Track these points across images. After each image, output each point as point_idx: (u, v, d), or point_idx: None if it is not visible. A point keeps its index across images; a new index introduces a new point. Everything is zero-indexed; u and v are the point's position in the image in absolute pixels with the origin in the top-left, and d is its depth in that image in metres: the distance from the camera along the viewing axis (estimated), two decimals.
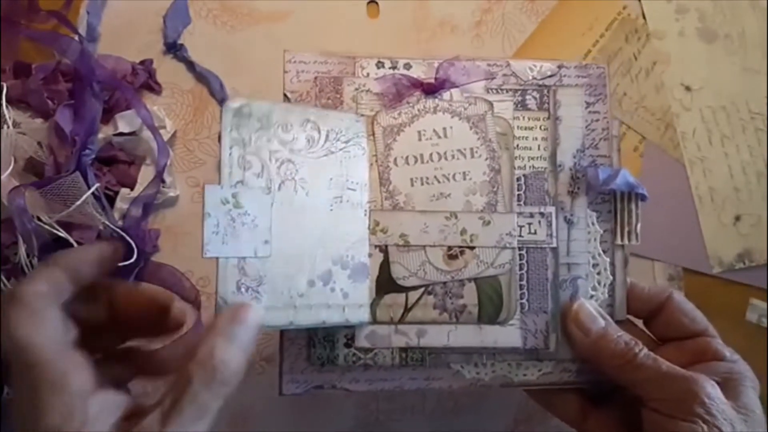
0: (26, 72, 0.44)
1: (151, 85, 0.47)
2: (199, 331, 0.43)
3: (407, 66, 0.37)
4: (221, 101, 0.47)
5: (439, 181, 0.36)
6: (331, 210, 0.34)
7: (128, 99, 0.44)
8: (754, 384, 0.34)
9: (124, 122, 0.44)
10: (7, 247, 0.38)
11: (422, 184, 0.36)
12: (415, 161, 0.36)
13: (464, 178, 0.36)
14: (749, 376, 0.34)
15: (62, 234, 0.39)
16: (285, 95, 0.37)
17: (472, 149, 0.36)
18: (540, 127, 0.37)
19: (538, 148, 0.37)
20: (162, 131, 0.45)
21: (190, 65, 0.48)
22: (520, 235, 0.36)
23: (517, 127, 0.37)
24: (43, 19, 0.47)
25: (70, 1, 0.48)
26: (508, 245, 0.36)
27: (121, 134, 0.44)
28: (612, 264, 0.37)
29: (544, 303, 0.36)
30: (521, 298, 0.36)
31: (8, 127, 0.41)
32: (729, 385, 0.33)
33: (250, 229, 0.31)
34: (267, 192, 0.32)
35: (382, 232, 0.35)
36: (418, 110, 0.36)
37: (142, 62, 0.47)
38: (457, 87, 0.37)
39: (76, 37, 0.45)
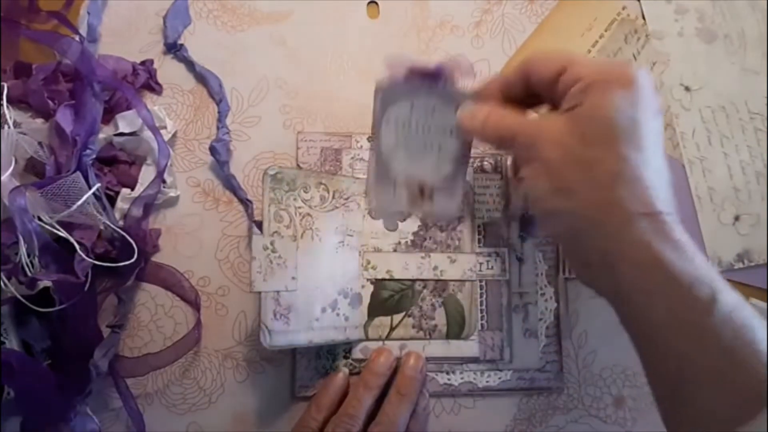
0: (27, 72, 0.44)
1: (152, 86, 0.47)
2: (198, 332, 0.43)
3: None
4: (220, 101, 0.47)
5: None
6: (336, 252, 0.43)
7: (129, 99, 0.44)
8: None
9: (125, 122, 0.44)
10: (8, 247, 0.38)
11: None
12: None
13: None
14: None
15: (63, 234, 0.39)
16: (298, 165, 0.46)
17: None
18: (495, 186, 0.46)
19: (494, 202, 0.46)
20: (162, 131, 0.45)
21: (191, 65, 0.48)
22: (480, 270, 0.45)
23: (477, 185, 0.46)
24: (43, 20, 0.47)
25: (70, 1, 0.48)
26: (469, 278, 0.44)
27: (122, 134, 0.44)
28: (556, 292, 0.46)
29: (500, 323, 0.44)
30: (481, 320, 0.44)
31: (9, 127, 0.41)
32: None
33: (283, 269, 0.40)
34: (293, 240, 0.41)
35: (373, 268, 0.44)
36: None
37: (142, 62, 0.47)
38: None
39: (77, 38, 0.45)
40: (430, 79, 0.40)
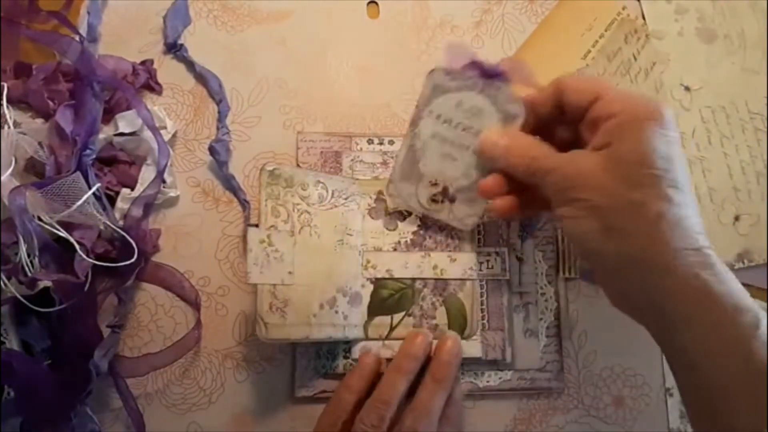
0: (27, 72, 0.44)
1: (152, 86, 0.47)
2: (198, 332, 0.43)
3: (391, 142, 0.47)
4: (220, 102, 0.47)
5: None
6: (336, 250, 0.43)
7: (129, 99, 0.44)
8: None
9: (125, 122, 0.44)
10: (8, 247, 0.38)
11: None
12: None
13: None
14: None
15: (63, 234, 0.39)
16: (298, 165, 0.46)
17: None
18: None
19: None
20: (162, 131, 0.45)
21: (191, 65, 0.48)
22: (480, 270, 0.45)
23: None
24: (43, 20, 0.47)
25: (70, 1, 0.48)
26: (469, 277, 0.44)
27: (122, 134, 0.44)
28: (556, 292, 0.46)
29: (501, 323, 0.44)
30: (483, 319, 0.44)
31: (9, 127, 0.41)
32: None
33: (279, 262, 0.40)
34: (291, 235, 0.41)
35: (373, 268, 0.44)
36: None
37: (142, 62, 0.47)
38: None
39: (77, 38, 0.45)
40: (487, 78, 0.39)
